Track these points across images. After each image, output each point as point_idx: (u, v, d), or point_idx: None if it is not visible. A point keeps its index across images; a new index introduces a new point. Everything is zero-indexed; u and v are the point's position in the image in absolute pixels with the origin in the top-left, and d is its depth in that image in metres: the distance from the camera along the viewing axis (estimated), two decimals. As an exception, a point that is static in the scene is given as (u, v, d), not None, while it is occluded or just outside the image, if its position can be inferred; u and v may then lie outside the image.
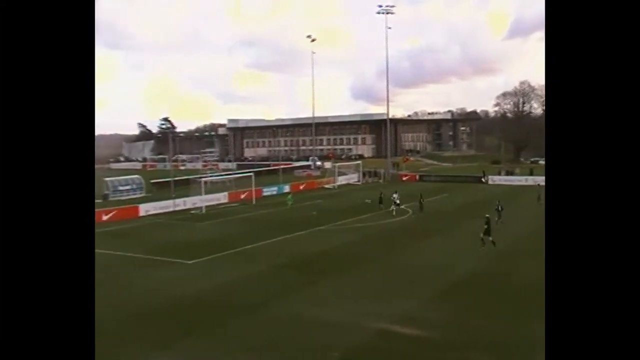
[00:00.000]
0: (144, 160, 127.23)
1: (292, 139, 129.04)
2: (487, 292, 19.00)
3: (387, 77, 74.93)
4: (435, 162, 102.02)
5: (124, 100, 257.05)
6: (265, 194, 54.21)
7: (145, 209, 43.09)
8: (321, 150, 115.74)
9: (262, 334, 15.39)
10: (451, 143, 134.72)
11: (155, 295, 19.70)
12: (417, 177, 70.20)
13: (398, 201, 39.31)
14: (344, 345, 14.33)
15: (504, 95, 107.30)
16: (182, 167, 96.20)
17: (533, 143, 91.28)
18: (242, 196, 50.89)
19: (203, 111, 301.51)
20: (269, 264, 24.22)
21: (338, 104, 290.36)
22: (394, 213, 38.28)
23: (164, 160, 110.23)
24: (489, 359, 13.46)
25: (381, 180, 68.43)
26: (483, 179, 63.32)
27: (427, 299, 18.46)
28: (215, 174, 64.50)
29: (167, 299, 19.05)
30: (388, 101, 78.19)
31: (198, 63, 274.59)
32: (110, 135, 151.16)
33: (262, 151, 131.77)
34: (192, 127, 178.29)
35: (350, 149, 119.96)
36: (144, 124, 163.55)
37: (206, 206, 44.68)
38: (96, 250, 23.75)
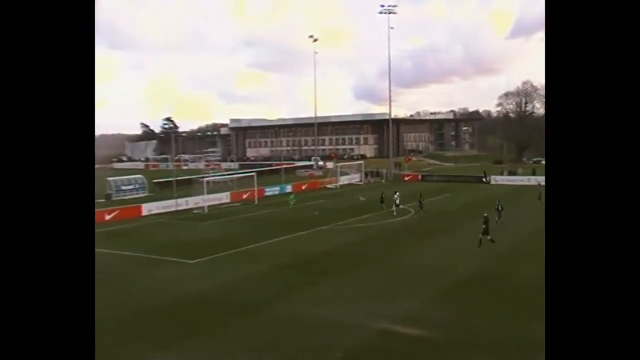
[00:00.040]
0: (147, 160, 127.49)
1: (295, 138, 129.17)
2: (488, 292, 18.98)
3: (390, 77, 75.32)
4: (437, 162, 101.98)
5: (127, 100, 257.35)
6: (267, 193, 54.22)
7: (147, 208, 43.20)
8: (323, 150, 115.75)
9: (264, 334, 15.40)
10: (453, 143, 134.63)
11: (156, 294, 19.73)
12: (419, 177, 70.16)
13: (398, 201, 39.33)
14: (346, 345, 14.32)
15: (507, 95, 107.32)
16: (184, 167, 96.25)
17: (535, 143, 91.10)
18: (244, 196, 50.94)
19: (205, 111, 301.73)
20: (271, 264, 24.24)
21: (340, 104, 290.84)
22: (395, 213, 38.28)
23: (166, 160, 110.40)
24: (490, 359, 13.47)
25: (383, 180, 68.41)
26: (484, 179, 63.25)
27: (428, 299, 18.45)
28: (218, 174, 64.63)
29: (168, 299, 19.08)
30: (390, 101, 78.69)
31: (200, 63, 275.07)
32: (113, 135, 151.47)
33: (265, 151, 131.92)
34: (195, 127, 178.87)
35: (352, 149, 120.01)
36: (147, 124, 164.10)
37: (208, 206, 44.74)
38: (99, 250, 23.74)
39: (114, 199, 51.44)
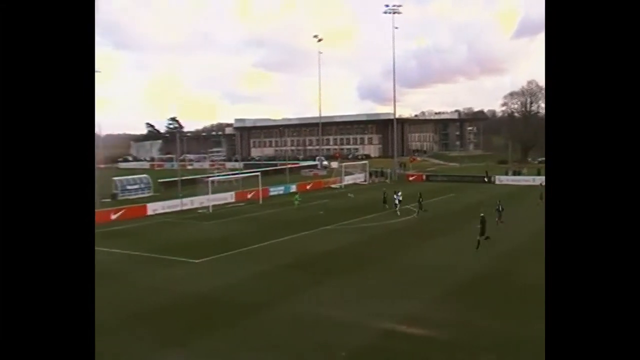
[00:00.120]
0: (152, 159, 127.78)
1: (299, 138, 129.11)
2: (491, 292, 18.98)
3: (394, 76, 74.77)
4: (442, 162, 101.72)
5: (132, 100, 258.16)
6: (272, 193, 54.33)
7: (153, 208, 43.37)
8: (328, 150, 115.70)
9: (267, 333, 15.43)
10: (458, 143, 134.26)
11: (161, 293, 19.80)
12: (424, 177, 70.06)
13: (397, 201, 39.34)
14: (349, 345, 14.33)
15: (512, 94, 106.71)
16: (189, 167, 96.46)
17: (540, 143, 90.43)
18: (249, 196, 51.03)
19: (210, 111, 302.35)
20: (275, 264, 24.30)
21: (345, 104, 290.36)
22: (399, 213, 38.31)
23: (171, 159, 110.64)
24: (494, 359, 13.52)
25: (388, 180, 68.30)
26: (486, 179, 63.17)
27: (432, 299, 18.46)
28: (222, 174, 64.68)
29: (172, 298, 19.15)
30: (395, 101, 78.07)
31: (205, 63, 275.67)
32: (119, 135, 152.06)
33: (269, 151, 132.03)
34: (200, 126, 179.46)
35: (357, 149, 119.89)
36: (152, 123, 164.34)
37: (213, 205, 44.84)
38: (104, 249, 23.92)
39: (119, 198, 51.68)
